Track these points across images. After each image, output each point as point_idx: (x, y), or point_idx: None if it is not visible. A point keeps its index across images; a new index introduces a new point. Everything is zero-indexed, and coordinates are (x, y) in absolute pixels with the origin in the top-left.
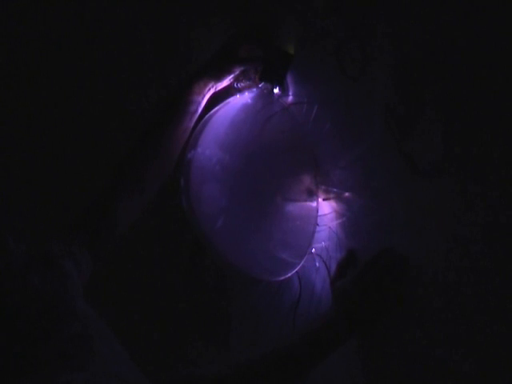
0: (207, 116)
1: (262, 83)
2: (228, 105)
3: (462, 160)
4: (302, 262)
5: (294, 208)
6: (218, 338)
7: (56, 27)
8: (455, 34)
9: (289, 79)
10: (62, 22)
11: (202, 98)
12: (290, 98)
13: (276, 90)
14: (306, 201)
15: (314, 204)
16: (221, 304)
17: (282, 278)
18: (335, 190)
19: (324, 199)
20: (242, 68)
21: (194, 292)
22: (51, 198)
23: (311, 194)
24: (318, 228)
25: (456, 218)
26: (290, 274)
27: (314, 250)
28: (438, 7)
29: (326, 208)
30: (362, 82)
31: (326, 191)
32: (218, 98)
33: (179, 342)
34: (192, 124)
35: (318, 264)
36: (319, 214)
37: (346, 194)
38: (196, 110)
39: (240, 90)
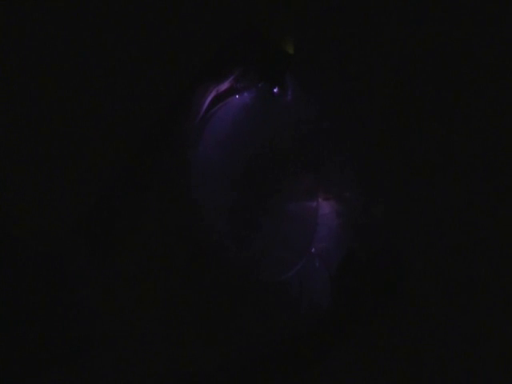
0: (207, 116)
1: (262, 83)
2: (227, 105)
3: (461, 159)
4: (302, 262)
5: (294, 208)
6: (218, 337)
7: (55, 26)
8: (455, 35)
9: (289, 79)
10: (62, 21)
11: (204, 101)
12: (290, 98)
13: (276, 90)
14: (306, 201)
15: (314, 204)
16: (221, 304)
17: (282, 277)
18: (335, 189)
19: (324, 199)
20: (241, 69)
21: (194, 292)
22: (57, 198)
23: (311, 194)
24: (317, 228)
25: (456, 217)
26: (290, 274)
27: (313, 249)
28: (438, 8)
29: (326, 208)
30: (363, 82)
31: (326, 191)
32: (218, 98)
33: (179, 341)
34: (193, 125)
35: (317, 264)
36: (319, 213)
37: (346, 194)
38: (197, 113)
39: (239, 90)
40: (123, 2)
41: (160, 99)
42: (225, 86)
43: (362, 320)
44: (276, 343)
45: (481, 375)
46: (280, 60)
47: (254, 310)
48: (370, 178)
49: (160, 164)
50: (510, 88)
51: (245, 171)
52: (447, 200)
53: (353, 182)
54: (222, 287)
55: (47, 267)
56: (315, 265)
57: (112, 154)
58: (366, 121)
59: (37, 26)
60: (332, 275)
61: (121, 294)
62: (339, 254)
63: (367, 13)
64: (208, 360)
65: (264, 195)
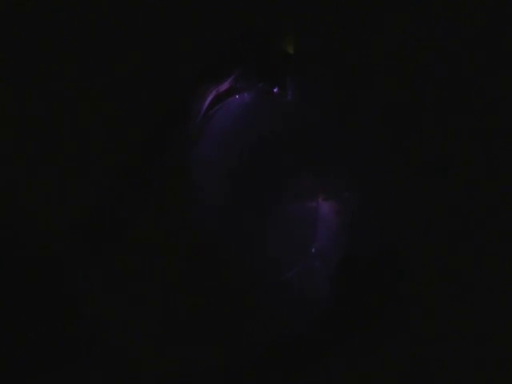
0: (207, 116)
1: (262, 83)
2: (227, 105)
3: (461, 160)
4: (302, 262)
5: (294, 208)
6: (217, 337)
7: (55, 26)
8: (455, 35)
9: (289, 79)
10: (62, 21)
11: (204, 101)
12: (290, 98)
13: (276, 90)
14: (306, 201)
15: (314, 204)
16: (220, 304)
17: (282, 277)
18: (335, 189)
19: (324, 199)
20: (241, 69)
21: (194, 292)
22: (57, 198)
23: (311, 194)
24: (317, 228)
25: (456, 217)
26: (290, 274)
27: (313, 249)
28: (438, 8)
29: (325, 208)
30: (363, 82)
31: (326, 191)
32: (218, 98)
33: (179, 342)
34: (194, 125)
35: (317, 264)
36: (319, 213)
37: (346, 194)
38: (198, 113)
39: (239, 91)
40: (124, 2)
41: (161, 99)
42: (225, 86)
43: (362, 320)
44: (276, 343)
45: (481, 375)
46: (280, 60)
47: (253, 310)
48: (369, 178)
49: (161, 164)
50: (510, 88)
51: (245, 171)
52: (447, 200)
53: (352, 182)
54: (221, 287)
55: (47, 266)
56: (315, 265)
57: (112, 155)
58: (366, 121)
59: (37, 27)
60: (332, 275)
61: (120, 294)
62: (339, 254)
63: (367, 13)
64: (208, 360)
65: (264, 195)
